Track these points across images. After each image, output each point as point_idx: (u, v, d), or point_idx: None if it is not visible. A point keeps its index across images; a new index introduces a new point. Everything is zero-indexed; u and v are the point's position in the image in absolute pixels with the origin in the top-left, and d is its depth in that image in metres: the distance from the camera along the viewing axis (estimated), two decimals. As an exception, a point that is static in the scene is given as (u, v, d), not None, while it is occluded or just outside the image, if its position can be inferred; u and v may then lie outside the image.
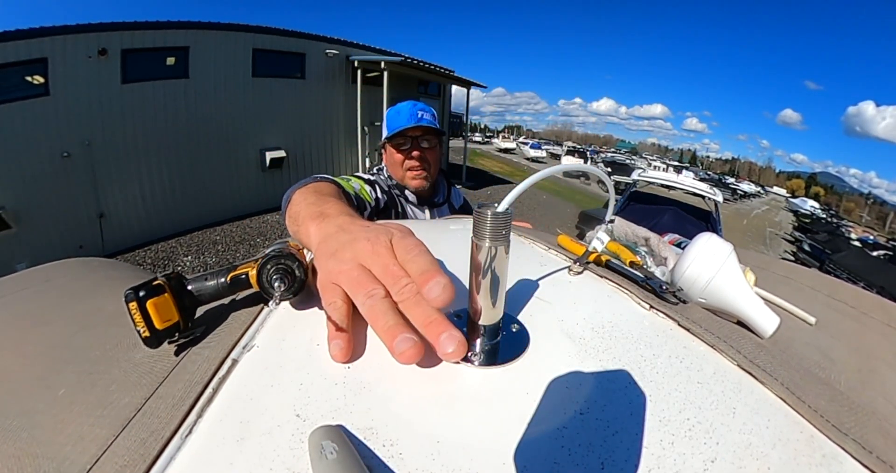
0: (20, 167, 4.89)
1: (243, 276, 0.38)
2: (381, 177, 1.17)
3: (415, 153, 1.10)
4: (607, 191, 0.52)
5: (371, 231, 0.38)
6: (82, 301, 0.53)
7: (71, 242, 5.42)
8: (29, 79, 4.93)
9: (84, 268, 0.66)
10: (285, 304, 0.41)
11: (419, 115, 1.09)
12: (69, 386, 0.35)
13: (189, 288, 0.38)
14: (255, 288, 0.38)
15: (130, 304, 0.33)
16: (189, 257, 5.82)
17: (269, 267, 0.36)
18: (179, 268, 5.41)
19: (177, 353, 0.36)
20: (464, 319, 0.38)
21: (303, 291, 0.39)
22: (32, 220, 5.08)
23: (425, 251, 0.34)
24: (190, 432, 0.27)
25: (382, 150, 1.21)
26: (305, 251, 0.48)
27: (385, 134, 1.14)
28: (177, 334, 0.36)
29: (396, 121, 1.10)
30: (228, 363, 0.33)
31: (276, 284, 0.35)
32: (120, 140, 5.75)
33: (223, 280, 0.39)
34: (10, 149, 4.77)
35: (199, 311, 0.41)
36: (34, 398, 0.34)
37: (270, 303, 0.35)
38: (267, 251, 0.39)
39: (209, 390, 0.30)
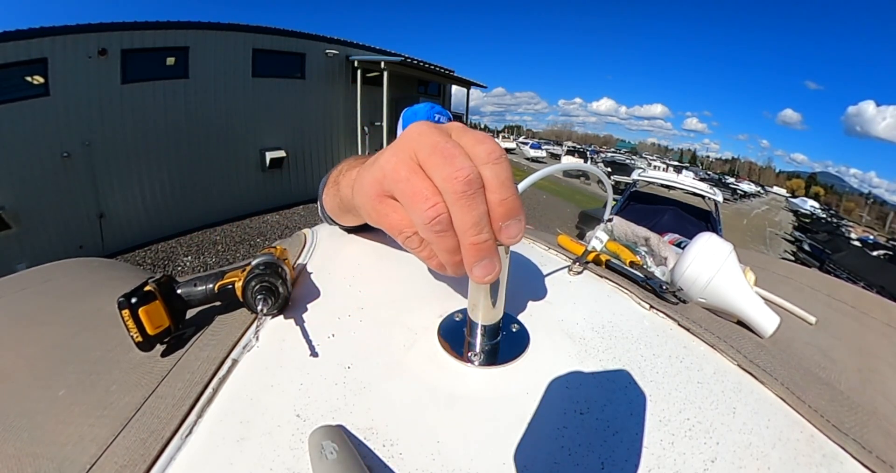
0: (20, 167, 4.88)
1: (230, 286, 0.39)
2: None
3: None
4: (606, 191, 0.53)
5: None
6: (82, 301, 0.53)
7: (71, 242, 5.42)
8: (29, 79, 4.93)
9: (84, 268, 0.66)
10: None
11: (436, 118, 1.13)
12: (69, 386, 0.35)
13: (179, 291, 0.39)
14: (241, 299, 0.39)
15: (123, 312, 0.34)
16: (189, 257, 5.82)
17: (253, 284, 0.37)
18: (179, 269, 5.41)
19: (171, 354, 0.36)
20: (464, 319, 0.38)
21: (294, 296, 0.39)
22: (32, 220, 5.08)
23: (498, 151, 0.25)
24: (190, 432, 0.27)
25: None
26: (292, 260, 0.48)
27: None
28: (168, 337, 0.37)
29: (412, 122, 1.15)
30: (228, 363, 0.33)
31: (259, 306, 0.36)
32: (120, 140, 5.74)
33: (211, 286, 0.39)
34: (10, 149, 4.77)
35: (195, 311, 0.41)
36: (34, 398, 0.34)
37: (255, 322, 0.37)
38: (254, 262, 0.40)
39: (209, 390, 0.30)
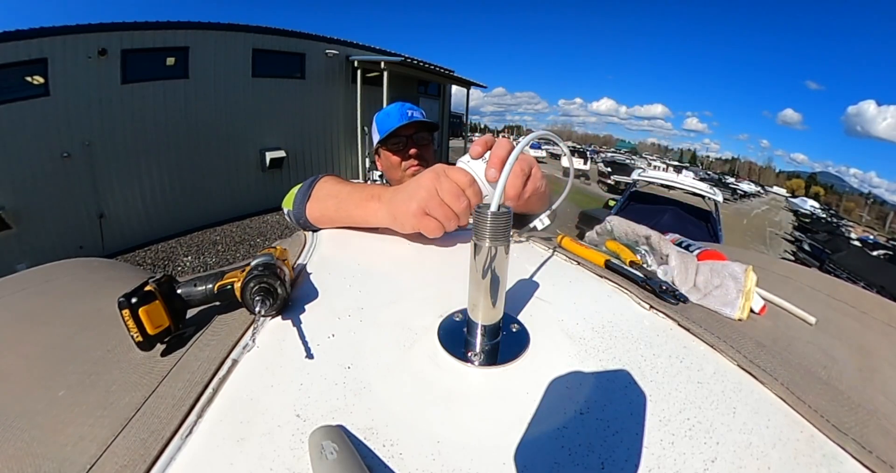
0: (20, 167, 4.88)
1: (229, 287, 0.39)
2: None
3: (412, 151, 1.09)
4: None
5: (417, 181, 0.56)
6: (82, 301, 0.52)
7: (71, 242, 5.42)
8: (29, 79, 4.93)
9: (84, 269, 0.66)
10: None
11: (409, 114, 1.09)
12: (69, 386, 0.35)
13: (179, 291, 0.39)
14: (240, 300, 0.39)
15: (123, 312, 0.34)
16: (189, 257, 5.82)
17: (251, 285, 0.37)
18: (179, 269, 5.41)
19: (171, 354, 0.36)
20: (464, 319, 0.38)
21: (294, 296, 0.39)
22: (32, 220, 5.08)
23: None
24: (190, 432, 0.27)
25: (376, 157, 1.19)
26: (292, 260, 0.49)
27: (377, 138, 1.13)
28: (168, 337, 0.37)
29: (387, 122, 1.09)
30: (228, 363, 0.33)
31: (258, 308, 0.36)
32: (120, 140, 5.74)
33: (210, 287, 0.40)
34: (10, 149, 4.77)
35: (195, 311, 0.41)
36: (34, 398, 0.34)
37: (253, 323, 0.37)
38: (253, 263, 0.40)
39: (209, 390, 0.30)
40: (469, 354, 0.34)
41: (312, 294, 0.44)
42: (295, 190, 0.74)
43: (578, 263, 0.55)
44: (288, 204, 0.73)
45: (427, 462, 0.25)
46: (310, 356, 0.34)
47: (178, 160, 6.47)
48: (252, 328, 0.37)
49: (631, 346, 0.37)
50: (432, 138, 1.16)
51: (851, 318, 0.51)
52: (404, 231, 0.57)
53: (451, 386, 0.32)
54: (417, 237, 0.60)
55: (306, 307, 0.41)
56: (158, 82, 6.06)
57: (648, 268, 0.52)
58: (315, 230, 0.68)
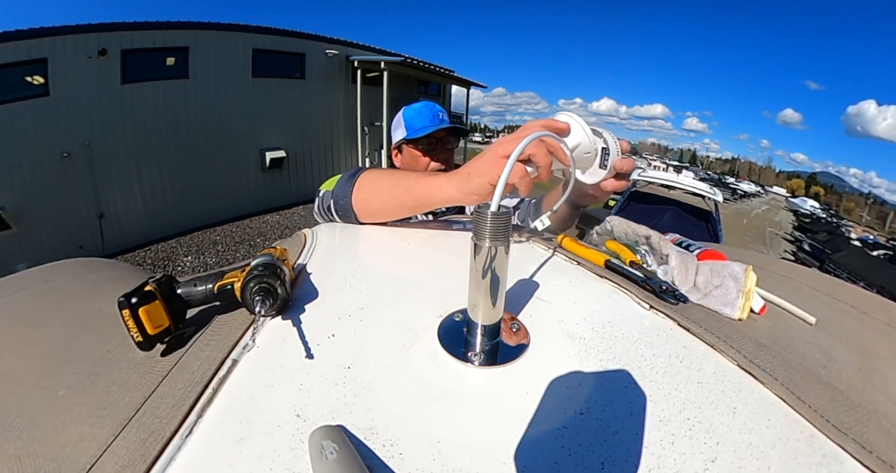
0: (20, 167, 4.89)
1: (229, 287, 0.39)
2: None
3: (441, 155, 1.10)
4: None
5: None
6: (82, 301, 0.52)
7: (71, 242, 5.42)
8: (29, 79, 4.93)
9: (84, 269, 0.65)
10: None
11: (440, 117, 1.10)
12: (69, 386, 0.35)
13: (179, 291, 0.39)
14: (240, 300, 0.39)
15: (123, 312, 0.34)
16: (189, 257, 5.82)
17: (251, 285, 0.37)
18: (180, 269, 5.41)
19: (171, 354, 0.36)
20: (464, 319, 0.38)
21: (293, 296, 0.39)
22: (32, 220, 5.08)
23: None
24: (190, 432, 0.27)
25: (396, 151, 1.18)
26: (292, 260, 0.49)
27: (404, 134, 1.11)
28: (168, 337, 0.37)
29: (419, 121, 1.09)
30: (228, 363, 0.33)
31: (258, 308, 0.36)
32: (120, 140, 5.75)
33: (210, 287, 0.40)
34: (10, 149, 4.77)
35: (195, 311, 0.41)
36: (34, 398, 0.34)
37: (254, 323, 0.37)
38: (253, 263, 0.40)
39: (209, 390, 0.30)
40: (469, 354, 0.35)
41: (312, 294, 0.44)
42: (337, 177, 0.72)
43: (578, 263, 0.55)
44: (329, 186, 0.70)
45: (427, 462, 0.25)
46: (310, 356, 0.34)
47: (178, 160, 6.47)
48: (252, 328, 0.37)
49: (631, 346, 0.37)
50: (457, 143, 1.19)
51: (851, 318, 0.51)
52: (477, 193, 0.53)
53: (451, 386, 0.32)
54: (418, 237, 0.60)
55: (306, 307, 0.41)
56: (158, 82, 6.06)
57: (648, 268, 0.52)
58: (347, 216, 0.65)
